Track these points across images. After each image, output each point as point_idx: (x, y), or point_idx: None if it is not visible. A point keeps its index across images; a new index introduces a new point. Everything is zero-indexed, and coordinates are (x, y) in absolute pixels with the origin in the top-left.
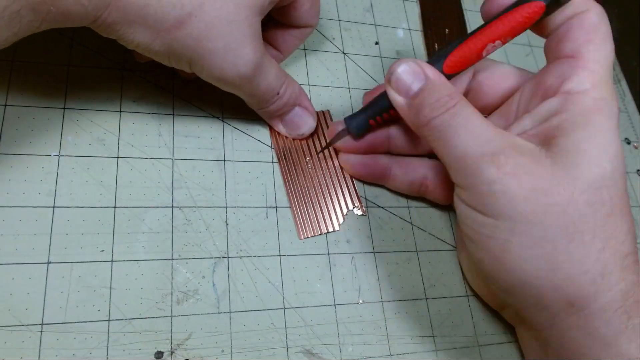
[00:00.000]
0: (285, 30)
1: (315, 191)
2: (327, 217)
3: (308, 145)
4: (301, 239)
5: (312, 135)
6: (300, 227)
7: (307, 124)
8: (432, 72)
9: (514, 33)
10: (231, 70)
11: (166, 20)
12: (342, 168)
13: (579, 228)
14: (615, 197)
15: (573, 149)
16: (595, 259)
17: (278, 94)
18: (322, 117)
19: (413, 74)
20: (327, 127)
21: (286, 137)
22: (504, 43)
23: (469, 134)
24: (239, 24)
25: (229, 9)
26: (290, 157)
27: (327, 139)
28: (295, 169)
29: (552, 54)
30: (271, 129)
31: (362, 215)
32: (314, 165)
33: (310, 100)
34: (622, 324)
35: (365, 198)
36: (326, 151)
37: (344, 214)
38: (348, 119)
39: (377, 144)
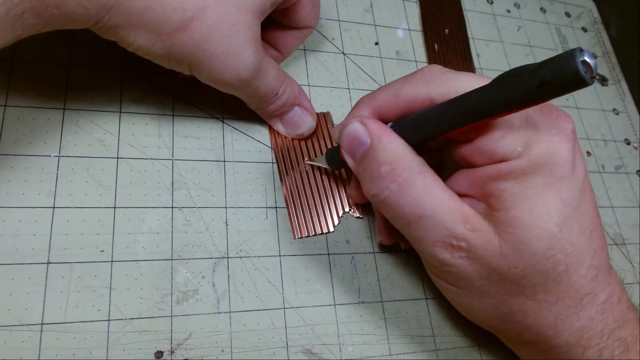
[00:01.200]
0: (285, 31)
1: (312, 192)
2: (322, 218)
3: (307, 146)
4: (295, 238)
5: (311, 135)
6: (294, 227)
7: (307, 124)
8: (376, 128)
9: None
10: (231, 73)
11: (168, 24)
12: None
13: (532, 291)
14: (571, 249)
15: (517, 224)
16: (549, 310)
17: (277, 94)
18: (323, 119)
19: (358, 135)
20: (328, 128)
21: (285, 138)
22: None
23: (419, 221)
24: (240, 27)
25: (231, 13)
26: (288, 158)
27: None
28: (293, 169)
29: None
30: (271, 128)
31: (359, 217)
32: (312, 166)
33: (310, 100)
34: (578, 355)
35: None
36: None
37: (340, 215)
38: (329, 151)
39: None
